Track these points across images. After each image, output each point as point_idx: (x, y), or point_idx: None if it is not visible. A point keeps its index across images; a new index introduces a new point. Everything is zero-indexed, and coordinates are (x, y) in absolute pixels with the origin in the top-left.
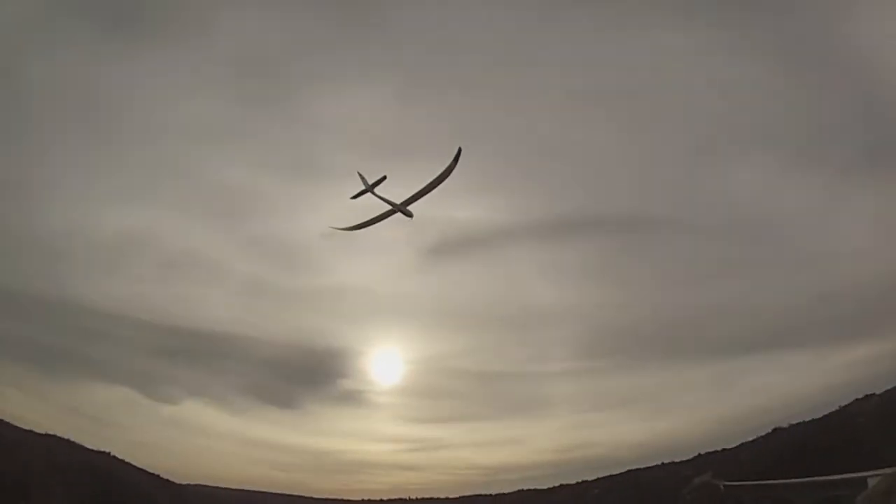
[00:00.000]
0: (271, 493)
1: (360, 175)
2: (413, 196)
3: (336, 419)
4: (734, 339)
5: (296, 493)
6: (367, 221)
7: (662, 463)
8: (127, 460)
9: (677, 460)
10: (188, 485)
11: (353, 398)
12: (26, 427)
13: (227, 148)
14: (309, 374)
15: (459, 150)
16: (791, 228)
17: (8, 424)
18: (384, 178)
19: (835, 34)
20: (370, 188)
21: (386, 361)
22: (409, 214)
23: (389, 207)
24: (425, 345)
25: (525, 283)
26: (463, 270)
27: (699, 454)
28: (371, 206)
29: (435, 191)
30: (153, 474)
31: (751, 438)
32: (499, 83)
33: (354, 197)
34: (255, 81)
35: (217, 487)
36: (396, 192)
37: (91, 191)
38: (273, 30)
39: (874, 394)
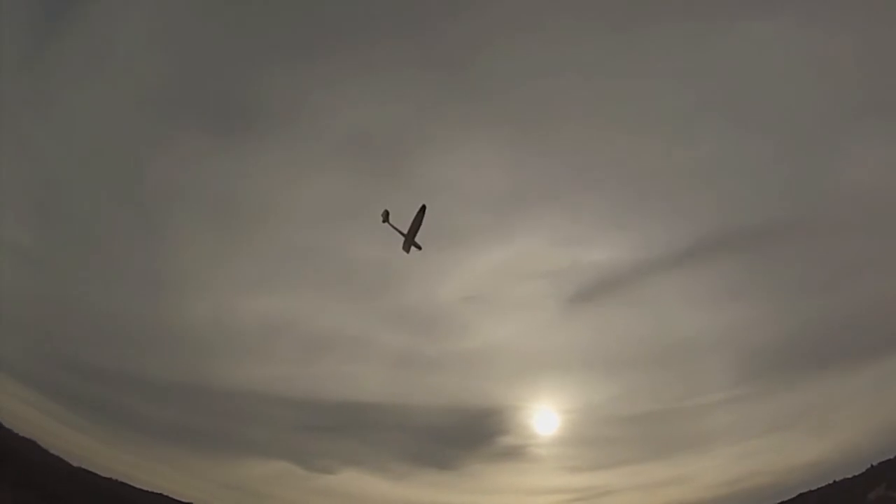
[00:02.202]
0: None
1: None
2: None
3: (496, 475)
4: (890, 335)
5: None
6: (406, 245)
7: (834, 481)
8: None
9: (849, 476)
10: None
11: (513, 454)
12: (186, 501)
13: (352, 225)
14: (465, 435)
15: (423, 207)
16: None
17: (168, 498)
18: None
19: None
20: (385, 219)
21: (542, 414)
22: (419, 247)
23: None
24: (579, 394)
25: (668, 317)
26: (606, 314)
27: (871, 466)
28: None
29: (564, 237)
30: None
31: None
32: (602, 114)
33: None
34: (368, 157)
35: None
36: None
37: (228, 281)
38: (372, 100)
39: None
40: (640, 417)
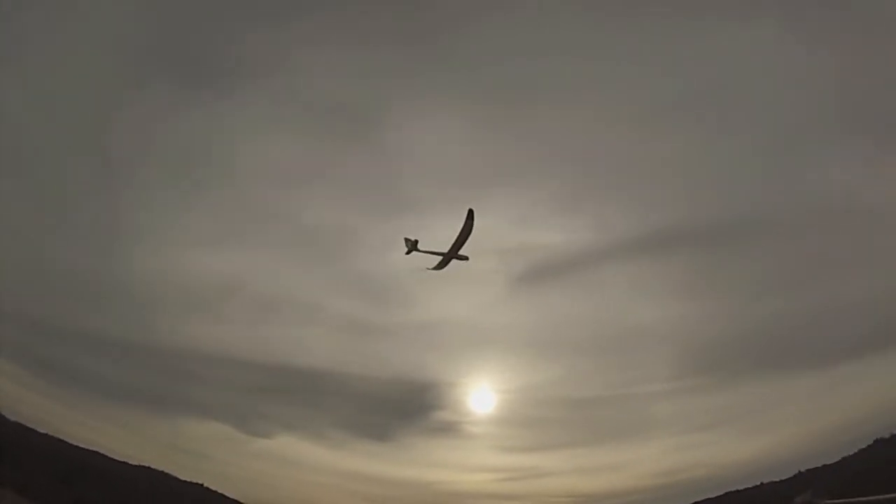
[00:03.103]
0: None
1: (405, 239)
2: (449, 252)
3: (432, 450)
4: (836, 343)
5: None
6: (440, 264)
7: (761, 483)
8: (219, 491)
9: (776, 479)
10: None
11: (449, 429)
12: (121, 459)
13: (311, 187)
14: (404, 408)
15: (470, 212)
16: (888, 216)
17: (104, 457)
18: (416, 241)
19: None
20: (413, 248)
21: (481, 392)
22: (465, 258)
23: (442, 258)
24: (520, 374)
25: (617, 304)
26: (554, 296)
27: (799, 471)
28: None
29: (521, 216)
30: None
31: (853, 452)
32: (575, 100)
33: (406, 253)
34: (333, 120)
35: None
36: (485, 223)
37: (184, 237)
38: (347, 66)
39: None
40: (579, 402)
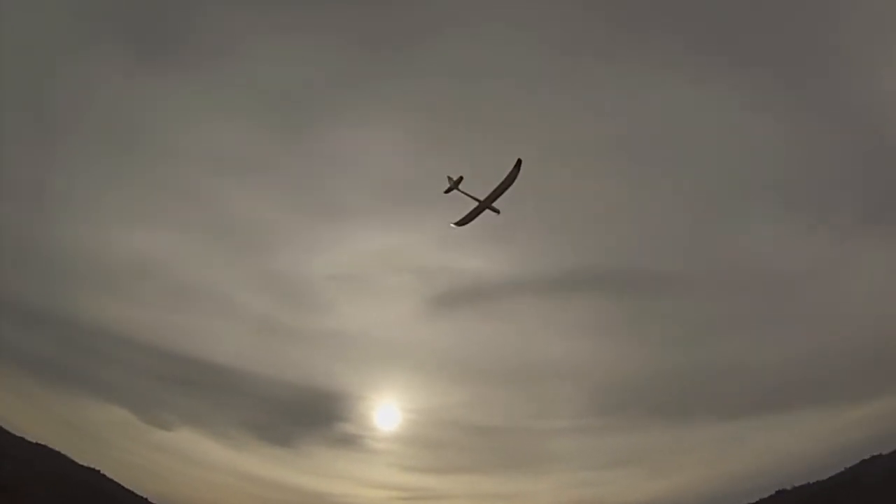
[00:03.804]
0: None
1: (448, 177)
2: (484, 201)
3: (332, 462)
4: (741, 398)
5: None
6: (466, 218)
7: None
8: (116, 480)
9: None
10: None
11: (351, 442)
12: (18, 433)
13: (243, 178)
14: (309, 415)
15: (519, 162)
16: (801, 285)
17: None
18: (461, 177)
19: (851, 93)
20: (455, 186)
21: (387, 408)
22: (497, 210)
23: (477, 205)
24: (427, 394)
25: (532, 338)
26: (470, 321)
27: None
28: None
29: (446, 238)
30: (140, 497)
31: (754, 501)
32: (514, 133)
33: (446, 192)
34: (277, 113)
35: None
36: (410, 241)
37: (107, 209)
38: (299, 64)
39: (881, 454)
40: (482, 429)
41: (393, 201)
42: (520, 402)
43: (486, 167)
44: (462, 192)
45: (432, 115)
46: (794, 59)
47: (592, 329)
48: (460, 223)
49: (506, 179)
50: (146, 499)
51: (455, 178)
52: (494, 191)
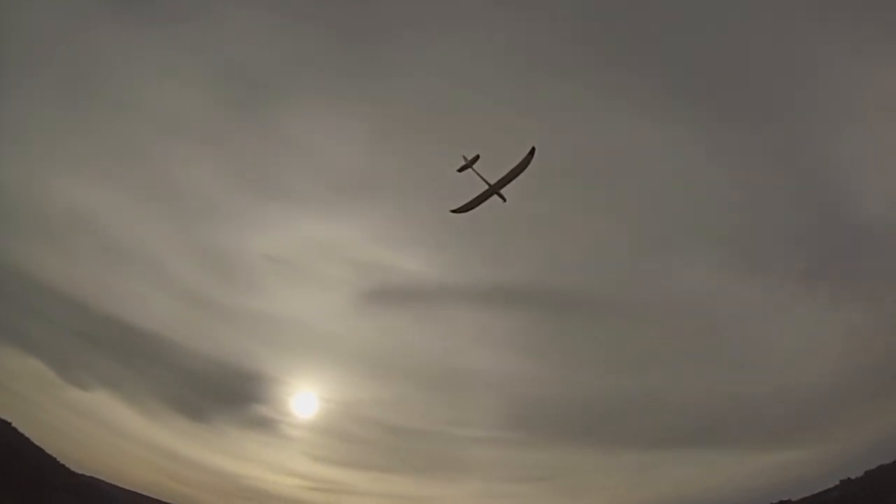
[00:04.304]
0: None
1: (464, 156)
2: (494, 185)
3: (244, 443)
4: (659, 430)
5: None
6: (471, 203)
7: None
8: (26, 434)
9: None
10: (83, 475)
11: (266, 425)
12: None
13: (195, 147)
14: (226, 393)
15: (532, 150)
16: (731, 330)
17: None
18: (477, 156)
19: (805, 153)
20: (469, 165)
21: (305, 396)
22: (504, 198)
23: (486, 188)
24: (348, 388)
25: (459, 346)
26: (399, 321)
27: None
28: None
29: (385, 236)
30: (50, 455)
31: None
32: (468, 142)
33: (459, 170)
34: (236, 87)
35: (111, 485)
36: (351, 233)
37: (53, 157)
38: (268, 39)
39: (790, 500)
40: (399, 429)
41: (339, 192)
42: (439, 407)
43: (435, 170)
44: (476, 172)
45: (389, 113)
46: (756, 114)
47: (520, 345)
48: (462, 210)
49: (518, 165)
50: (56, 458)
51: (470, 158)
52: (505, 176)
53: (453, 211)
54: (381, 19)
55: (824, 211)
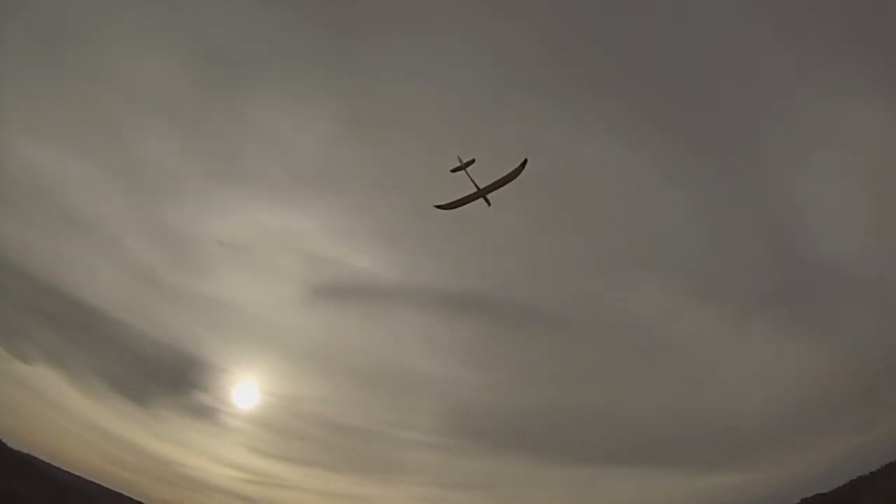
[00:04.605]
0: (103, 486)
1: (459, 157)
2: (483, 189)
3: (184, 430)
4: (600, 447)
5: (125, 493)
6: (457, 202)
7: None
8: None
9: None
10: (20, 451)
11: (206, 414)
12: None
13: (163, 123)
14: (169, 377)
15: (525, 161)
16: (680, 353)
17: None
18: (473, 160)
19: (764, 183)
20: (464, 167)
21: (248, 387)
22: (489, 203)
23: (475, 191)
24: (291, 382)
25: (405, 348)
26: (347, 318)
27: None
28: None
29: (340, 231)
30: None
31: None
32: (435, 144)
33: (453, 171)
34: (213, 67)
35: (49, 464)
36: (308, 225)
37: (19, 120)
38: (250, 23)
39: None
40: (340, 426)
41: (301, 182)
42: (382, 407)
43: (397, 169)
44: (469, 175)
45: (360, 109)
46: (721, 145)
47: (468, 352)
48: (447, 206)
49: (509, 174)
50: None
51: (466, 161)
52: (495, 182)
53: (438, 206)
54: (363, 17)
55: (780, 243)
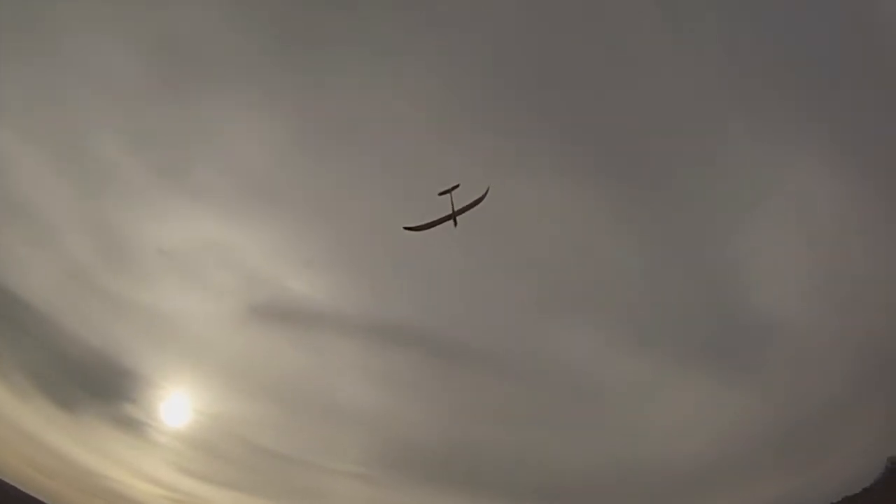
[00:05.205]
0: (21, 491)
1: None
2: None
3: (110, 441)
4: (528, 485)
5: (43, 500)
6: (428, 224)
7: None
8: None
9: None
10: None
11: (134, 427)
12: None
13: (113, 116)
14: (99, 385)
15: (488, 189)
16: (610, 399)
17: None
18: (457, 185)
19: (704, 236)
20: (448, 192)
21: (176, 402)
22: (456, 223)
23: (448, 213)
24: (221, 401)
25: (338, 376)
26: (282, 342)
27: None
28: None
29: (283, 251)
30: None
31: None
32: (387, 168)
33: (440, 194)
34: (169, 64)
35: None
36: (250, 241)
37: None
38: (214, 21)
39: None
40: (266, 451)
41: (248, 196)
42: (311, 435)
43: (346, 190)
44: (451, 199)
45: (315, 124)
46: (664, 194)
47: (400, 385)
48: (417, 228)
49: (475, 201)
50: None
51: (451, 186)
52: (464, 207)
53: (408, 228)
54: (330, 30)
55: (718, 296)
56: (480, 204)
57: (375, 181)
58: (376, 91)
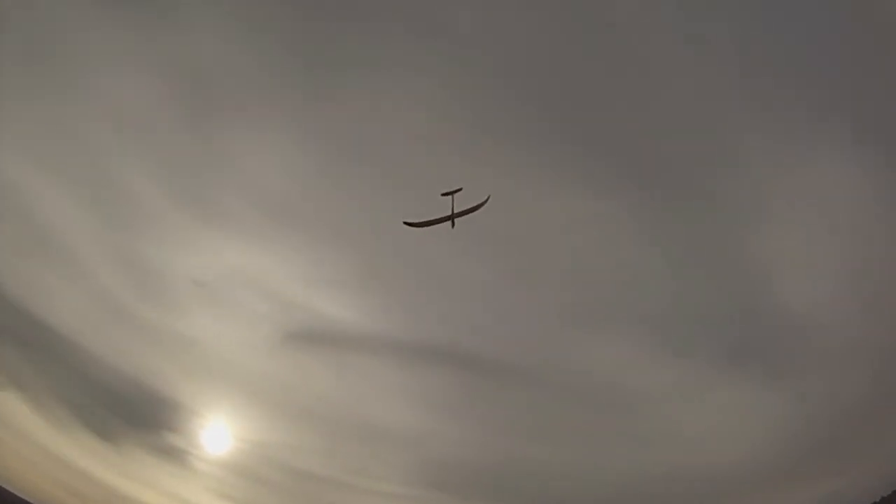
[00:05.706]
0: None
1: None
2: (451, 215)
3: (150, 470)
4: (567, 500)
5: None
6: (428, 222)
7: None
8: None
9: None
10: None
11: (175, 456)
12: None
13: (139, 146)
14: (138, 414)
15: (488, 198)
16: (646, 408)
17: None
18: (460, 189)
19: (740, 245)
20: (450, 193)
21: (218, 430)
22: (454, 225)
23: (448, 214)
24: (260, 427)
25: (374, 398)
26: (319, 366)
27: None
28: None
29: (315, 275)
30: None
31: None
32: (408, 190)
33: (443, 195)
34: (195, 91)
35: (4, 489)
36: (281, 267)
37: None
38: (237, 49)
39: None
40: (306, 474)
41: (275, 222)
42: (348, 456)
43: (374, 212)
44: (452, 201)
45: (339, 147)
46: (688, 200)
47: (439, 404)
48: (416, 224)
49: (475, 206)
50: None
51: (455, 188)
52: (465, 210)
53: (407, 223)
54: (351, 53)
55: (746, 300)
56: (481, 210)
57: (398, 201)
58: (400, 112)
